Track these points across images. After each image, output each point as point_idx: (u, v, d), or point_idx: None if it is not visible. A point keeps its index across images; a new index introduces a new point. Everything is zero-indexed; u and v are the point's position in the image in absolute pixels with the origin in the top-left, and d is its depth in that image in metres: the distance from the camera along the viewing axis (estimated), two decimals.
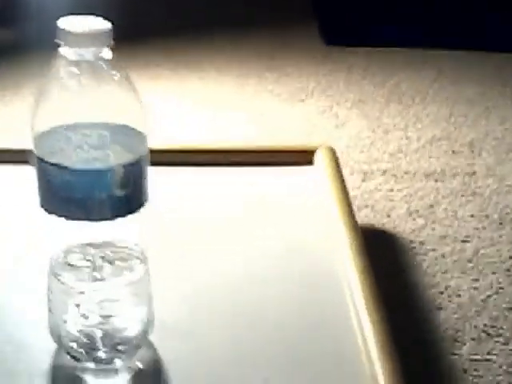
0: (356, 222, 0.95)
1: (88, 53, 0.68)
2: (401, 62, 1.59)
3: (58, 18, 0.69)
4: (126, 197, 0.71)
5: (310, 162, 1.07)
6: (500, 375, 0.86)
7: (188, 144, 1.10)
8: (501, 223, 1.12)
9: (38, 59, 1.49)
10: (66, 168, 0.69)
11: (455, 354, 0.88)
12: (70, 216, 0.70)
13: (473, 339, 0.91)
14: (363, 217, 1.12)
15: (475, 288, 1.00)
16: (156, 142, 1.12)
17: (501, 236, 1.09)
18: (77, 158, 0.69)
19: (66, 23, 0.68)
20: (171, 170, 1.02)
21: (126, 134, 0.70)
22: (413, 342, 0.89)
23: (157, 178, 0.98)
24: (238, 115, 1.38)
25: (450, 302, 0.97)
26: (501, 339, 0.91)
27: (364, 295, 0.82)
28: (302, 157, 1.08)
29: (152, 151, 1.03)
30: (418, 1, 1.82)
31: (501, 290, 0.99)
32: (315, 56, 1.60)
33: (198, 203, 0.99)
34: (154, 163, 1.00)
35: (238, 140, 1.26)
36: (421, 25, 1.74)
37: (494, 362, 0.87)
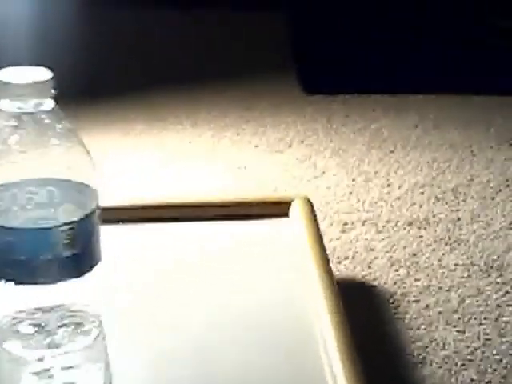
0: (332, 276, 0.90)
1: (29, 105, 0.64)
2: (382, 109, 1.55)
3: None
4: (75, 257, 0.66)
5: (286, 214, 1.03)
6: None
7: (158, 199, 1.06)
8: (487, 271, 1.07)
9: None
10: (8, 228, 0.64)
11: None
12: (15, 280, 0.66)
13: None
14: (343, 269, 1.07)
15: (461, 340, 0.95)
16: (127, 198, 1.08)
17: (487, 284, 1.05)
18: (20, 217, 0.65)
19: (4, 74, 0.64)
20: (143, 226, 0.98)
21: (73, 189, 0.66)
22: None
23: (123, 235, 0.94)
24: (216, 168, 1.34)
25: (434, 355, 0.92)
26: None
27: (340, 355, 0.77)
28: (277, 209, 1.04)
29: (121, 208, 1.00)
30: (395, 48, 1.79)
31: (488, 342, 0.94)
32: (294, 105, 1.57)
33: (165, 259, 0.94)
34: (123, 220, 0.97)
35: (214, 193, 1.22)
36: (401, 71, 1.70)
37: None
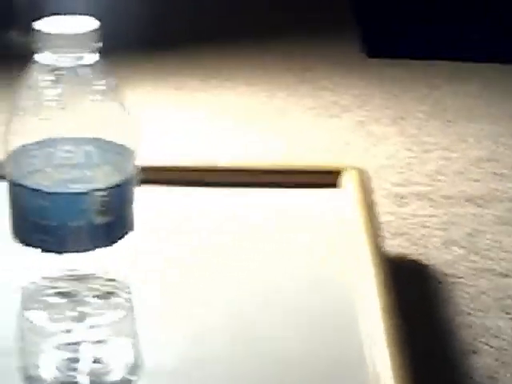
0: (383, 254, 0.85)
1: (68, 58, 0.60)
2: (445, 76, 1.51)
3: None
4: (108, 225, 0.62)
5: (334, 185, 0.99)
6: None
7: (205, 163, 1.02)
8: None
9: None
10: (40, 191, 0.60)
11: None
12: (44, 247, 0.62)
13: None
14: (396, 246, 1.03)
15: None
16: (174, 158, 1.03)
17: None
18: (53, 178, 0.61)
19: (44, 24, 0.60)
20: (184, 189, 0.95)
21: (111, 151, 0.62)
22: None
23: (164, 198, 0.90)
24: (267, 130, 1.30)
25: (486, 345, 0.87)
26: None
27: (386, 339, 0.73)
28: (327, 178, 0.99)
29: (167, 169, 0.96)
30: (465, 15, 1.76)
31: None
32: (354, 68, 1.52)
33: (206, 226, 0.90)
34: (166, 182, 0.93)
35: (263, 157, 1.18)
36: (467, 38, 1.67)
37: None
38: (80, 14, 0.62)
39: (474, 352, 0.87)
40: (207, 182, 0.96)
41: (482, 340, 0.88)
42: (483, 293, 0.96)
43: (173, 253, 0.85)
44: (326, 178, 0.99)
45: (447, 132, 1.32)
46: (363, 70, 1.53)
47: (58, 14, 0.62)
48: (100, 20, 0.61)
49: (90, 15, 0.62)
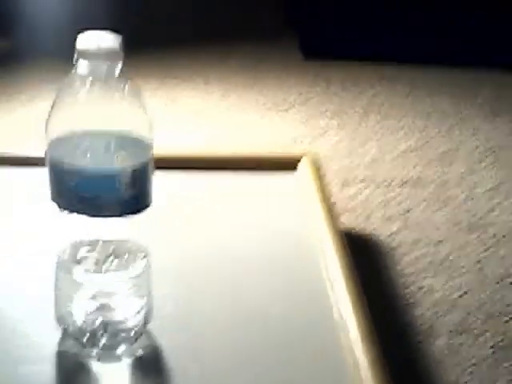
0: (337, 223, 1.02)
1: (100, 66, 0.75)
2: (377, 76, 1.66)
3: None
4: (133, 197, 0.77)
5: (293, 169, 1.14)
6: (470, 366, 0.94)
7: (180, 151, 1.16)
8: (471, 228, 1.19)
9: (36, 66, 1.57)
10: (79, 170, 0.75)
11: (430, 345, 0.96)
12: (81, 212, 0.77)
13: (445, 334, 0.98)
14: (344, 221, 1.19)
15: (447, 288, 1.07)
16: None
17: (471, 240, 1.17)
18: (90, 160, 0.76)
19: (82, 40, 0.75)
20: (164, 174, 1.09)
21: (134, 141, 0.77)
22: (392, 334, 0.96)
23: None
24: (226, 123, 1.45)
25: (423, 300, 1.04)
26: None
27: (348, 290, 0.89)
28: (286, 164, 1.15)
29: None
30: (391, 18, 1.89)
31: (470, 291, 1.07)
32: (295, 70, 1.67)
33: (189, 205, 1.06)
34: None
35: (228, 147, 1.33)
36: (394, 40, 1.80)
37: (465, 354, 0.95)
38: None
39: (414, 305, 1.03)
40: (186, 167, 1.12)
41: (419, 296, 1.05)
42: (418, 259, 1.13)
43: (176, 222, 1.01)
44: (286, 164, 1.15)
45: (382, 125, 1.48)
46: (302, 71, 1.67)
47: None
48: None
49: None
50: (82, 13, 1.60)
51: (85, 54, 0.74)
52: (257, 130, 1.43)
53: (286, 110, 1.51)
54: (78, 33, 0.76)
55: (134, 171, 0.77)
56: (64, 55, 1.58)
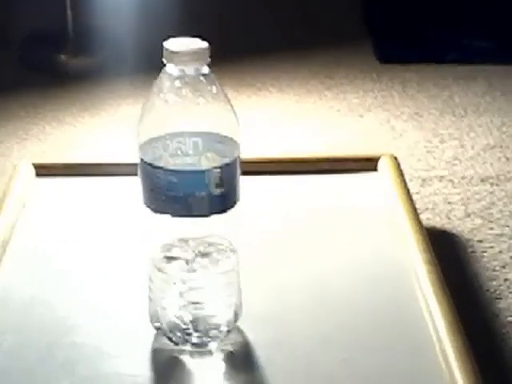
0: (422, 226, 1.03)
1: (189, 69, 0.78)
2: (452, 77, 1.67)
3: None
4: (222, 195, 0.80)
5: (374, 169, 1.16)
6: None
7: (260, 155, 1.19)
8: None
9: (118, 82, 1.61)
10: (171, 170, 0.78)
11: None
12: (172, 213, 0.80)
13: None
14: (424, 219, 1.19)
15: None
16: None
17: None
18: (180, 161, 0.79)
19: (171, 44, 0.78)
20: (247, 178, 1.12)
21: (222, 140, 0.80)
22: (478, 327, 0.97)
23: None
24: (301, 129, 1.48)
25: (508, 292, 1.05)
26: None
27: (432, 283, 0.91)
28: (366, 164, 1.17)
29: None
30: (465, 19, 1.89)
31: None
32: (370, 73, 1.69)
33: (273, 206, 1.08)
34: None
35: (306, 151, 1.35)
36: (468, 41, 1.80)
37: None
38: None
39: (499, 298, 1.04)
40: (270, 171, 1.14)
41: (504, 288, 1.06)
42: (501, 252, 1.14)
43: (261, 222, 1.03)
44: (365, 165, 1.17)
45: (459, 125, 1.49)
46: (378, 75, 1.69)
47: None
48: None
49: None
50: (161, 29, 1.65)
51: (173, 56, 0.78)
52: (333, 135, 1.45)
53: (362, 115, 1.53)
54: (163, 42, 0.79)
55: (222, 170, 0.79)
56: (145, 70, 1.63)
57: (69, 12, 1.74)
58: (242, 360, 0.84)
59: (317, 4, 1.97)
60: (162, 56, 0.79)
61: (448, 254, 1.12)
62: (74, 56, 1.72)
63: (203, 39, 0.80)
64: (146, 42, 1.69)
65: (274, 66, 1.71)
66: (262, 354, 0.85)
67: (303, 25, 1.89)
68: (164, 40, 0.80)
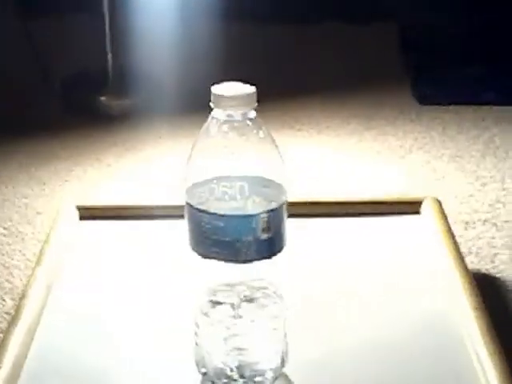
0: (466, 265, 1.02)
1: (236, 114, 0.78)
2: (492, 118, 1.67)
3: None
4: (269, 240, 0.80)
5: (417, 212, 1.15)
6: None
7: (302, 198, 1.18)
8: None
9: (158, 123, 1.63)
10: (219, 215, 0.78)
11: None
12: (219, 258, 0.80)
13: None
14: (469, 263, 1.18)
15: None
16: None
17: None
18: (226, 205, 0.79)
19: (218, 88, 0.78)
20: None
21: (269, 185, 0.80)
22: None
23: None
24: (342, 171, 1.47)
25: None
26: None
27: (481, 333, 0.89)
28: (409, 207, 1.16)
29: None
30: (503, 61, 1.89)
31: None
32: (410, 115, 1.69)
33: (317, 248, 1.08)
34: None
35: (347, 193, 1.35)
36: (508, 83, 1.80)
37: None
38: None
39: None
40: (312, 214, 1.14)
41: None
42: None
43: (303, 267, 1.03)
44: (407, 207, 1.16)
45: (501, 167, 1.48)
46: (417, 116, 1.69)
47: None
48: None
49: None
50: (201, 70, 1.66)
51: (221, 101, 0.78)
52: (373, 177, 1.45)
53: (403, 157, 1.52)
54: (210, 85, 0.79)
55: (270, 215, 0.79)
56: (185, 111, 1.64)
57: (109, 54, 1.76)
58: None
59: (356, 47, 1.98)
60: (202, 96, 0.79)
61: (493, 298, 1.10)
62: (114, 97, 1.73)
63: (243, 81, 0.80)
64: (185, 82, 1.71)
65: (313, 107, 1.71)
66: None
67: (342, 66, 1.89)
68: (208, 82, 0.80)
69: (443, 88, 1.80)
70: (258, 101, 0.79)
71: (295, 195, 1.16)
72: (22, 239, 1.23)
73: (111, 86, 1.77)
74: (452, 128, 1.63)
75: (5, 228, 1.26)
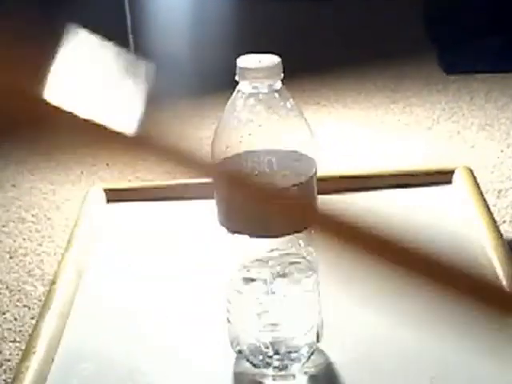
0: (501, 234, 1.00)
1: (262, 86, 0.76)
2: None
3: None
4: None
5: (449, 182, 1.13)
6: None
7: (330, 171, 1.17)
8: None
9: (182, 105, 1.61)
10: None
11: None
12: (251, 233, 0.78)
13: None
14: (503, 231, 1.17)
15: None
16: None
17: None
18: (256, 179, 0.77)
19: (243, 61, 0.77)
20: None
21: (298, 158, 0.78)
22: None
23: None
24: (370, 144, 1.45)
25: None
26: None
27: None
28: (441, 177, 1.14)
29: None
30: None
31: None
32: (436, 85, 1.67)
33: (350, 223, 1.06)
34: None
35: (377, 166, 1.33)
36: None
37: None
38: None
39: None
40: (341, 189, 1.12)
41: None
42: None
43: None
44: (438, 178, 1.14)
45: None
46: (444, 86, 1.67)
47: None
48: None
49: None
50: (223, 49, 1.64)
51: (247, 73, 0.76)
52: (403, 149, 1.43)
53: (430, 128, 1.50)
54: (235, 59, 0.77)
55: (299, 188, 0.77)
56: (209, 91, 1.62)
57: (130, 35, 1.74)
58: (325, 382, 0.82)
59: (379, 18, 1.96)
60: (230, 74, 0.77)
61: None
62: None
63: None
64: (212, 61, 1.69)
65: (337, 82, 1.69)
66: (345, 374, 0.82)
67: (366, 40, 1.87)
68: (234, 58, 0.78)
69: (470, 57, 1.78)
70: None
71: (325, 170, 1.15)
72: (51, 225, 1.23)
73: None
74: (480, 96, 1.60)
75: (33, 215, 1.25)
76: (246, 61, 0.77)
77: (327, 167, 1.32)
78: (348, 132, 1.51)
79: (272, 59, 0.77)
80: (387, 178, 1.15)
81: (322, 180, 1.00)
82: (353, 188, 1.12)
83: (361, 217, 1.07)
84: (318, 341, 0.83)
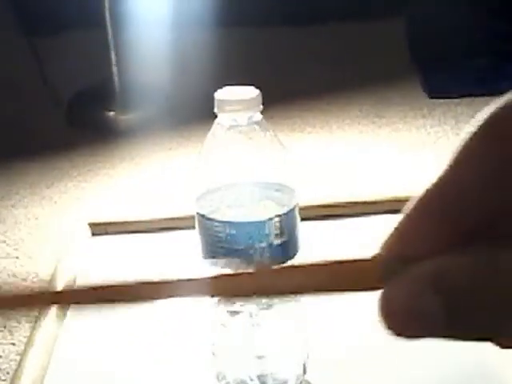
0: None
1: (242, 118, 0.76)
2: None
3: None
4: (283, 245, 0.78)
5: None
6: None
7: (319, 201, 1.16)
8: None
9: (167, 135, 1.61)
10: (229, 222, 0.76)
11: None
12: (232, 267, 0.78)
13: None
14: None
15: None
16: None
17: None
18: (238, 212, 0.77)
19: (222, 93, 0.76)
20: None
21: (278, 189, 0.78)
22: None
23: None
24: (355, 171, 1.45)
25: None
26: None
27: None
28: None
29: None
30: None
31: None
32: (421, 110, 1.66)
33: (331, 254, 1.05)
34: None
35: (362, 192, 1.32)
36: None
37: None
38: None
39: None
40: (327, 215, 1.12)
41: None
42: None
43: None
44: None
45: None
46: (429, 111, 1.66)
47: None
48: None
49: None
50: (207, 80, 1.64)
51: (225, 106, 0.76)
52: (388, 174, 1.42)
53: (416, 153, 1.50)
54: (213, 92, 0.77)
55: (282, 219, 0.77)
56: (193, 121, 1.62)
57: (114, 68, 1.74)
58: None
59: (362, 45, 1.96)
60: (208, 107, 0.77)
61: None
62: (121, 112, 1.72)
63: (246, 85, 0.77)
64: (191, 93, 1.69)
65: (321, 108, 1.69)
66: None
67: (349, 65, 1.88)
68: (213, 90, 0.78)
69: (454, 81, 1.78)
70: (264, 105, 0.77)
71: (310, 197, 1.15)
72: (35, 260, 1.22)
73: (118, 100, 1.75)
74: (465, 120, 1.60)
75: (16, 249, 1.25)
76: (223, 93, 0.77)
77: (315, 194, 1.32)
78: (336, 158, 1.51)
79: (250, 91, 0.77)
80: (375, 204, 1.15)
81: (306, 208, 1.01)
82: (338, 215, 1.12)
83: (344, 244, 1.06)
84: (304, 372, 0.82)
